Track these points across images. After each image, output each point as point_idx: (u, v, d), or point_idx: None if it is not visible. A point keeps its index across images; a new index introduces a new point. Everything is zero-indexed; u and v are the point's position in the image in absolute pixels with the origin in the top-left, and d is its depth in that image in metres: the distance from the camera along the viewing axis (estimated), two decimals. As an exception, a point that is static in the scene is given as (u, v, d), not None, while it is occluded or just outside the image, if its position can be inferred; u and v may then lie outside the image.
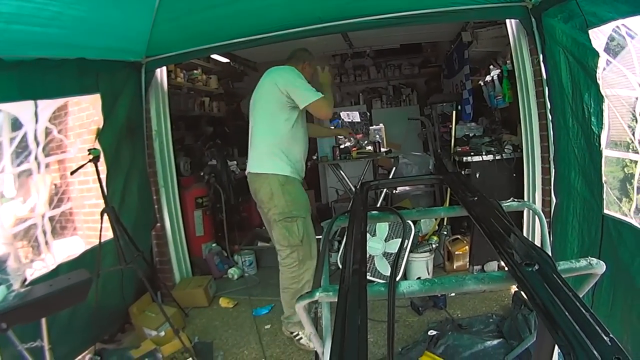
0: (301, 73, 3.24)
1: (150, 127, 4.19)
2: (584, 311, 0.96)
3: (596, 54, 2.32)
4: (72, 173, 3.11)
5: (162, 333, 3.43)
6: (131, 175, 3.86)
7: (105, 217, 3.16)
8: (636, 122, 2.16)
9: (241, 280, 4.80)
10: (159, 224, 4.27)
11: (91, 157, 3.05)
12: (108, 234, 3.22)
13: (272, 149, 3.14)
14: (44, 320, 2.53)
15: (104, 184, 3.24)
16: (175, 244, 4.43)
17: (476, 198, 1.96)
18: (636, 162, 2.23)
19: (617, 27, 2.20)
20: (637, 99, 2.15)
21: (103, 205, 3.18)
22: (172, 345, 3.13)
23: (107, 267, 3.28)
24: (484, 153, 4.24)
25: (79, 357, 3.26)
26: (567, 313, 0.97)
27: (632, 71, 2.17)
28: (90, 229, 3.54)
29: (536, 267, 1.20)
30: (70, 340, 3.11)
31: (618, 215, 2.42)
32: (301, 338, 3.29)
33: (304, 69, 3.37)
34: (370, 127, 5.06)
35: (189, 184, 4.95)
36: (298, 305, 1.41)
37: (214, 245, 5.08)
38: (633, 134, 2.20)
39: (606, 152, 2.46)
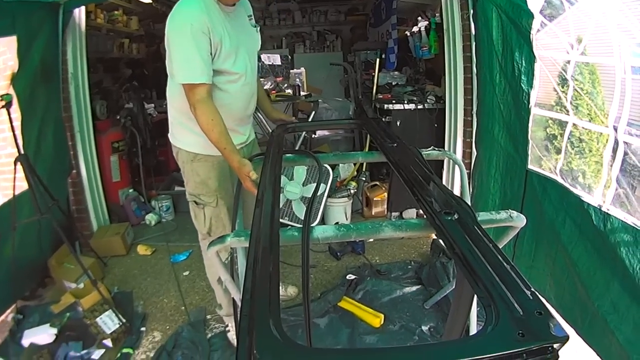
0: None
1: (67, 70, 3.88)
2: (504, 263, 0.94)
3: (531, 15, 2.30)
4: None
5: (81, 285, 3.28)
6: (46, 121, 3.59)
7: (19, 166, 2.95)
8: (568, 86, 2.18)
9: (159, 226, 4.69)
10: (74, 171, 4.04)
11: (3, 103, 2.81)
12: (25, 185, 3.01)
13: (179, 117, 2.37)
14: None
15: (17, 131, 3.00)
16: (92, 191, 4.23)
17: (395, 145, 1.92)
18: (566, 122, 2.26)
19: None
20: (568, 62, 2.16)
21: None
22: (92, 297, 3.00)
23: (24, 219, 3.09)
24: (405, 102, 4.23)
25: (2, 317, 3.08)
26: (486, 264, 0.95)
27: (567, 35, 2.16)
28: (7, 180, 3.25)
29: (455, 216, 1.18)
30: (-10, 301, 2.95)
31: (543, 171, 2.49)
32: (229, 331, 2.84)
33: None
34: (291, 71, 4.90)
35: (105, 128, 4.67)
36: (210, 251, 1.36)
37: (130, 191, 4.89)
38: (565, 96, 2.22)
39: (535, 111, 2.49)
